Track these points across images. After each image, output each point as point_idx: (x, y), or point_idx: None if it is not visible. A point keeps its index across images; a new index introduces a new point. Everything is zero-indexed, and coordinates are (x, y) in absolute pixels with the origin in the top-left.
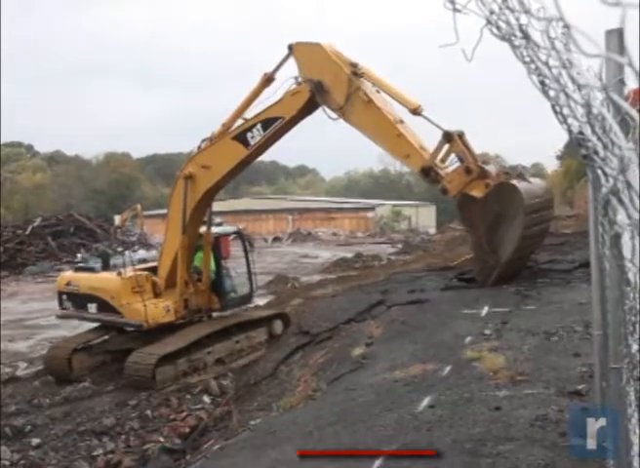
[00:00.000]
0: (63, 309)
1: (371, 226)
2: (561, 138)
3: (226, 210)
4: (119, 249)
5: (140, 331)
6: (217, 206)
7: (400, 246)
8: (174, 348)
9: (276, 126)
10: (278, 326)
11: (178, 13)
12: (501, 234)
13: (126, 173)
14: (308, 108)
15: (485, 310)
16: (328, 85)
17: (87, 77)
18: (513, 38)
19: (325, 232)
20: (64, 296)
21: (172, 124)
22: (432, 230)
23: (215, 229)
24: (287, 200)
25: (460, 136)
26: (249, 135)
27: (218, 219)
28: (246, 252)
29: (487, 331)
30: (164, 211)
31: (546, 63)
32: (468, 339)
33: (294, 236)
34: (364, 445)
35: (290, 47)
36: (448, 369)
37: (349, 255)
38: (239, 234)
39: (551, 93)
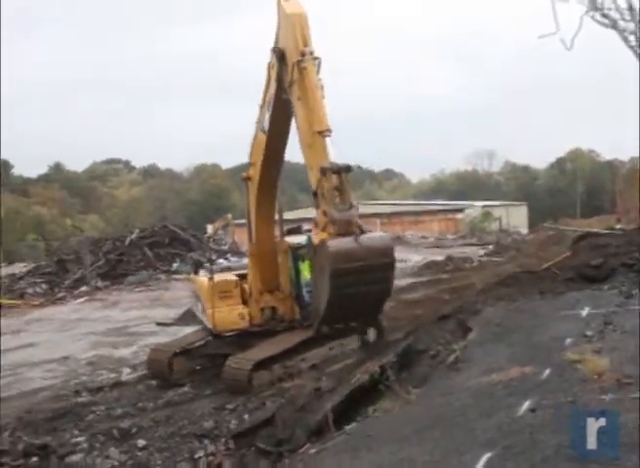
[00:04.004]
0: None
1: (460, 228)
2: None
3: (314, 216)
4: (212, 258)
5: (240, 336)
6: (304, 212)
7: (491, 247)
8: (269, 354)
9: (272, 104)
10: (371, 333)
11: (252, 27)
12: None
13: (216, 183)
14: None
15: (586, 311)
16: (287, 57)
17: (173, 92)
18: (621, 22)
19: (414, 235)
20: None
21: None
22: (524, 230)
23: (302, 238)
24: (375, 204)
25: (340, 171)
26: (264, 121)
27: (306, 226)
28: None
29: (588, 333)
30: None
31: None
32: (569, 341)
33: None
34: (464, 449)
35: None
36: (548, 371)
37: (439, 258)
38: None
39: None
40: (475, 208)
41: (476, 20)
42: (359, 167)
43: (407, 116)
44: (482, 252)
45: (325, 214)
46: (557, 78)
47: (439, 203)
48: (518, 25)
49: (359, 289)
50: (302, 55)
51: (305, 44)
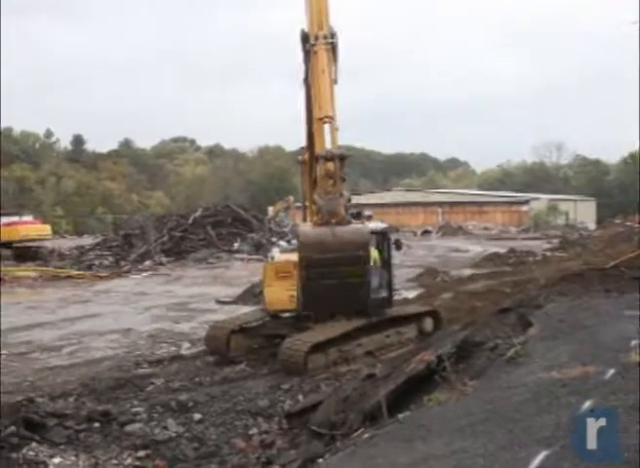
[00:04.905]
0: None
1: (525, 221)
2: None
3: (375, 202)
4: (273, 239)
5: (297, 318)
6: (365, 198)
7: (556, 242)
8: (325, 338)
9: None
10: (429, 323)
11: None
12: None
13: (279, 165)
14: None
15: None
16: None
17: (240, 74)
18: None
19: (476, 226)
20: None
21: None
22: (592, 226)
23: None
24: (437, 193)
25: (333, 158)
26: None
27: (367, 212)
28: (389, 252)
29: None
30: None
31: None
32: (634, 342)
33: (443, 229)
34: (519, 445)
35: None
36: (611, 372)
37: (502, 250)
38: (382, 234)
39: None
40: (541, 201)
41: (547, 6)
42: (424, 154)
43: (473, 104)
44: (546, 246)
45: (314, 201)
46: (632, 69)
47: (504, 194)
48: (593, 12)
49: (332, 280)
50: (316, 38)
51: (320, 28)
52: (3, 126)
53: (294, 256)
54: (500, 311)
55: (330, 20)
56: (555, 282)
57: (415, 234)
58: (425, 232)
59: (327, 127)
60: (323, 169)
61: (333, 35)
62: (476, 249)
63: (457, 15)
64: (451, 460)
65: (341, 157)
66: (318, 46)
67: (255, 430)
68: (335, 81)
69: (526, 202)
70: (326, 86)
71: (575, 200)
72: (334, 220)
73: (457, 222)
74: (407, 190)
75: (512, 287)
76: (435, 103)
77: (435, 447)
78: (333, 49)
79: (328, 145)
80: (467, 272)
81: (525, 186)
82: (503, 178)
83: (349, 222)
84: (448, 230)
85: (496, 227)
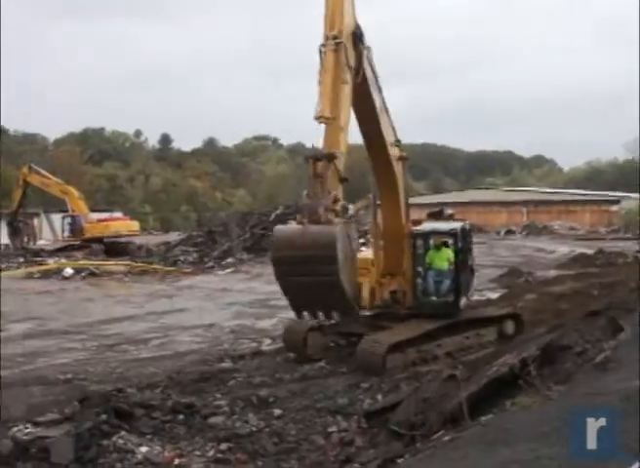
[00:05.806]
0: None
1: (615, 221)
2: None
3: (457, 201)
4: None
5: (373, 317)
6: (454, 196)
7: None
8: (403, 337)
9: None
10: (510, 326)
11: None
12: None
13: (359, 163)
14: None
15: None
16: None
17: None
18: None
19: (562, 226)
20: None
21: (408, 115)
22: None
23: (427, 225)
24: (521, 191)
25: (321, 158)
26: None
27: (449, 211)
28: (457, 254)
29: None
30: None
31: None
32: None
33: (528, 229)
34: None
35: None
36: None
37: (589, 252)
38: (452, 234)
39: None
40: (633, 200)
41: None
42: (509, 152)
43: (562, 101)
44: (638, 247)
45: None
46: None
47: (592, 193)
48: None
49: (303, 278)
50: (326, 38)
51: (331, 28)
52: (95, 126)
53: (370, 254)
54: (588, 314)
55: (344, 21)
56: None
57: (498, 234)
58: (509, 232)
59: (324, 127)
60: (311, 169)
61: (361, 35)
62: (562, 249)
63: (545, 9)
64: (536, 467)
65: (329, 157)
66: (326, 46)
67: (334, 428)
68: (363, 82)
69: (617, 201)
70: (326, 86)
71: None
72: (306, 220)
73: (542, 222)
74: (488, 189)
75: (600, 289)
76: (521, 100)
77: (520, 451)
78: (347, 49)
79: (321, 145)
80: (552, 273)
81: (615, 185)
82: (591, 177)
83: (329, 222)
84: (532, 230)
85: (583, 227)
